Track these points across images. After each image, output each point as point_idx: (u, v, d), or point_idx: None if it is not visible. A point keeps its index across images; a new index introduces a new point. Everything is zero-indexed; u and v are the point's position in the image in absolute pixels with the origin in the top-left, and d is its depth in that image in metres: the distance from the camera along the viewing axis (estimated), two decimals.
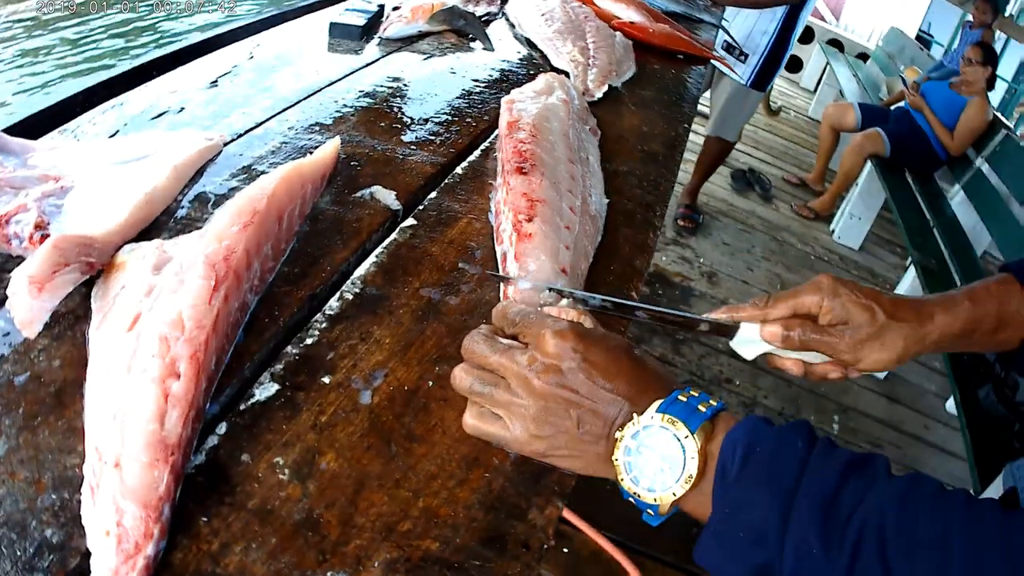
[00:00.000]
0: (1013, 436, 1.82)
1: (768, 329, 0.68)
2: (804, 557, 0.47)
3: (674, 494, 0.51)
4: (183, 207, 0.78)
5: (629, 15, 1.68)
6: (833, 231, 4.25)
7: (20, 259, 0.64)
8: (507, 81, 1.29)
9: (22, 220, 0.67)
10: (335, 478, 0.53)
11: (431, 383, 0.63)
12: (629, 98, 1.38)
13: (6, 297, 0.59)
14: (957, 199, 3.75)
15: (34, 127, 0.90)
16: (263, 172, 0.85)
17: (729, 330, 0.71)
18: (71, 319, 0.62)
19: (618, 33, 1.56)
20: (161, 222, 0.75)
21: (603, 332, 0.59)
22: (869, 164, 3.90)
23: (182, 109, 0.98)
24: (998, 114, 3.91)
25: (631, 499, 0.53)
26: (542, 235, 0.77)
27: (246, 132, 0.95)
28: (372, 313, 0.69)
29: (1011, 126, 3.85)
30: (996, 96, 4.36)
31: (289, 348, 0.63)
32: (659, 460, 0.51)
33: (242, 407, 0.57)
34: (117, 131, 0.91)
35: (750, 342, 0.70)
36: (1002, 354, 0.75)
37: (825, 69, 6.20)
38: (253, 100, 1.03)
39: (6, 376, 0.56)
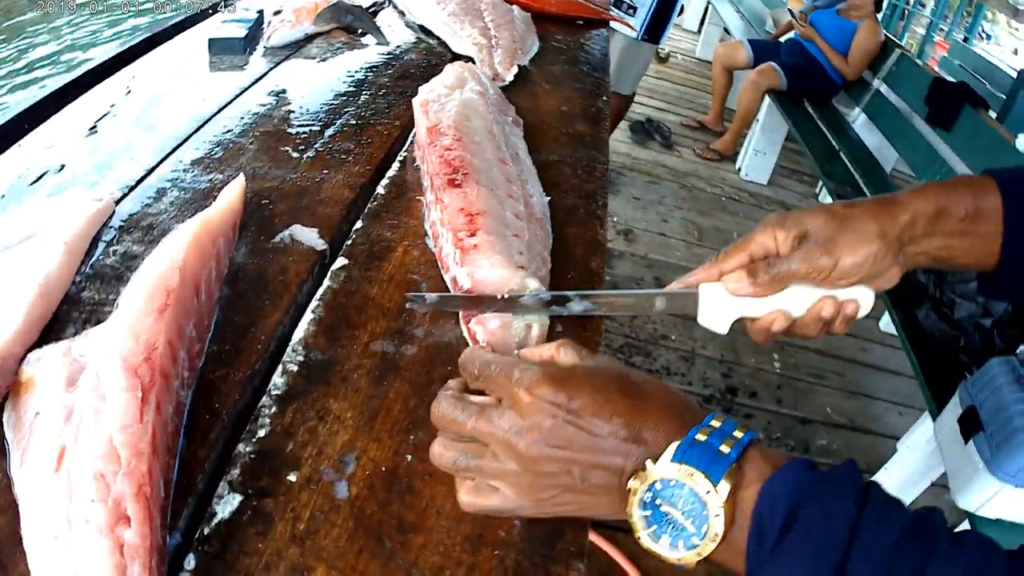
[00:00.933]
0: (959, 351, 1.88)
1: (730, 280, 0.61)
2: None
3: (699, 554, 0.46)
4: (84, 289, 0.68)
5: None
6: (739, 169, 4.33)
7: None
8: (410, 76, 1.21)
9: None
10: None
11: (409, 457, 0.56)
12: (540, 76, 1.31)
13: None
14: (859, 122, 3.87)
15: None
16: (165, 230, 0.75)
17: (692, 306, 0.63)
18: None
19: (515, 7, 1.48)
20: (63, 312, 0.65)
21: (587, 365, 0.52)
22: (767, 99, 3.97)
23: (62, 167, 0.86)
24: (889, 34, 4.03)
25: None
26: (488, 243, 0.71)
27: (137, 184, 0.84)
28: (324, 383, 0.61)
29: (901, 44, 3.98)
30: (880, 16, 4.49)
31: (241, 447, 0.55)
32: (680, 516, 0.46)
33: (206, 530, 0.49)
34: None
35: (718, 308, 0.63)
36: (939, 273, 0.72)
37: (707, 8, 6.26)
38: (138, 143, 0.92)
39: None
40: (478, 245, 0.71)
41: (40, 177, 0.85)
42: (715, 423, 0.48)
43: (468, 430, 0.49)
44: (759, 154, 4.21)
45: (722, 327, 0.64)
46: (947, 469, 1.66)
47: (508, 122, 1.03)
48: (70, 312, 0.66)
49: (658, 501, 0.46)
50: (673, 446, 0.46)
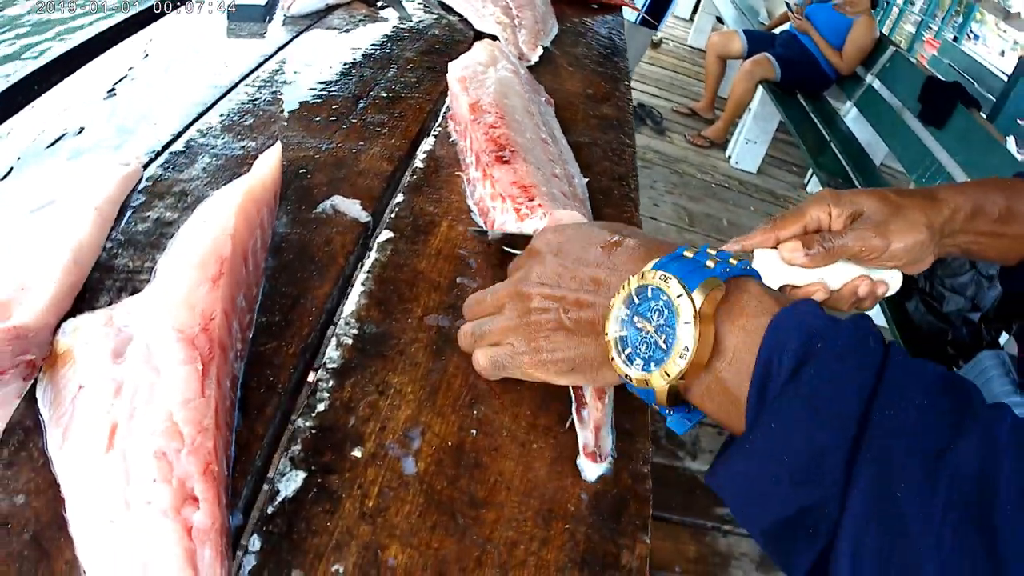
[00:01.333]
0: (947, 344, 1.90)
1: (787, 247, 0.60)
2: (878, 505, 0.33)
3: (666, 373, 0.41)
4: (117, 256, 0.65)
5: None
6: (730, 157, 4.34)
7: None
8: (435, 52, 1.18)
9: None
10: (409, 574, 0.45)
11: (474, 432, 0.54)
12: (562, 59, 1.29)
13: None
14: (851, 116, 3.88)
15: None
16: (200, 197, 0.72)
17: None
18: (19, 434, 0.48)
19: None
20: (95, 280, 0.62)
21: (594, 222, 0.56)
22: (760, 89, 3.97)
23: (82, 129, 0.83)
24: (882, 32, 4.05)
25: (629, 387, 0.45)
26: (552, 207, 0.70)
27: (164, 148, 0.81)
28: (380, 357, 0.59)
29: (897, 42, 3.99)
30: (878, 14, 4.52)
31: (300, 422, 0.53)
32: (653, 331, 0.42)
33: (270, 510, 0.47)
34: (10, 169, 0.75)
35: (769, 272, 0.62)
36: (929, 267, 0.73)
37: None
38: (160, 108, 0.88)
39: None
40: (542, 204, 0.71)
41: (58, 140, 0.81)
42: (710, 251, 0.45)
43: (489, 302, 0.55)
44: (750, 143, 4.22)
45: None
46: None
47: (542, 102, 1.01)
48: (103, 280, 0.63)
49: (635, 318, 0.43)
50: (653, 261, 0.44)
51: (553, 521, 0.50)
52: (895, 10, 6.55)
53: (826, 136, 3.49)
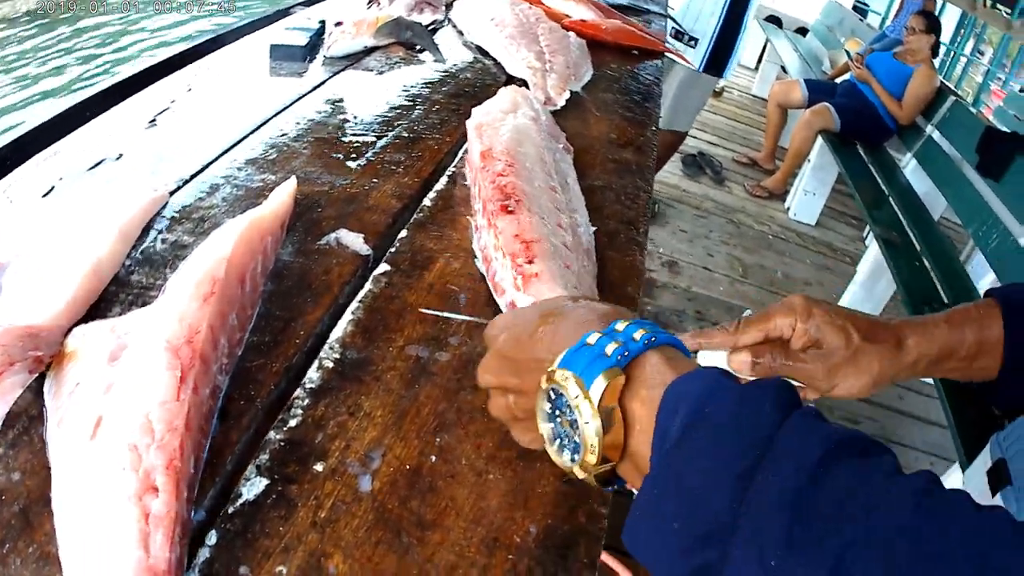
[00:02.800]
0: (992, 402, 1.83)
1: (737, 358, 0.62)
2: (759, 566, 0.32)
3: (583, 468, 0.42)
4: (133, 272, 0.71)
5: (580, 12, 1.63)
6: (788, 208, 4.29)
7: None
8: (463, 95, 1.24)
9: None
10: None
11: (434, 458, 0.57)
12: (591, 103, 1.33)
13: None
14: (910, 168, 3.81)
15: None
16: (216, 223, 0.78)
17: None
18: (24, 421, 0.54)
19: (571, 33, 1.51)
20: (111, 293, 0.68)
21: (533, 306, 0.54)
22: (820, 139, 3.94)
23: (120, 156, 0.90)
24: (944, 81, 3.98)
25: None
26: (549, 273, 0.72)
27: (192, 177, 0.88)
28: (357, 381, 0.63)
29: (957, 91, 3.92)
30: (938, 60, 4.45)
31: (272, 433, 0.57)
32: (568, 427, 0.43)
33: (231, 509, 0.51)
34: (52, 187, 0.82)
35: (715, 361, 0.64)
36: None
37: (765, 46, 6.25)
38: (196, 139, 0.96)
39: None
40: (539, 274, 0.72)
41: (99, 163, 0.89)
42: (619, 327, 0.44)
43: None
44: (809, 194, 4.16)
45: None
46: None
47: (559, 149, 1.04)
48: (118, 293, 0.68)
49: (556, 413, 0.44)
50: (563, 353, 0.44)
51: (497, 550, 0.52)
52: (963, 59, 6.42)
53: (884, 189, 3.42)
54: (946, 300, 2.42)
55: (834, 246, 4.11)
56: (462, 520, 0.53)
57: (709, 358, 0.64)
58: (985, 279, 2.92)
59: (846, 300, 3.16)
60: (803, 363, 0.61)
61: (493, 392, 0.51)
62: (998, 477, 1.49)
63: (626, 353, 0.42)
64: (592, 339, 0.43)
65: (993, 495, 1.48)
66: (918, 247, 2.80)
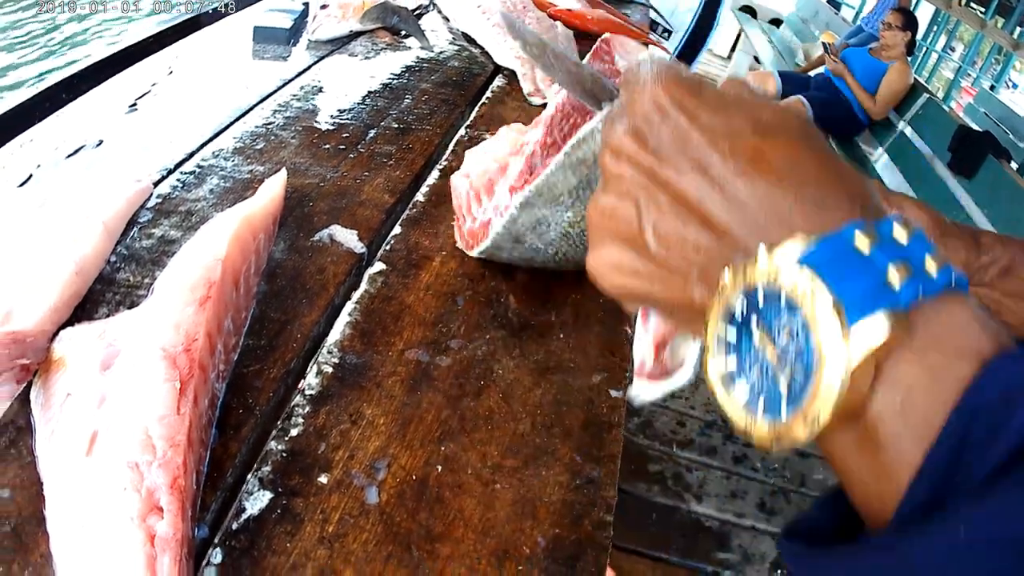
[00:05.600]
0: None
1: None
2: None
3: (777, 435, 0.27)
4: (119, 270, 0.68)
5: (566, 2, 1.61)
6: None
7: None
8: (452, 84, 1.21)
9: None
10: None
11: (439, 468, 0.56)
12: None
13: None
14: (881, 162, 3.86)
15: None
16: (204, 217, 0.75)
17: None
18: (11, 432, 0.52)
19: (558, 23, 1.49)
20: (96, 292, 0.65)
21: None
22: None
23: (101, 142, 0.87)
24: (918, 78, 4.03)
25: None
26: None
27: (176, 167, 0.84)
28: (358, 387, 0.61)
29: (928, 87, 3.97)
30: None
31: (273, 444, 0.55)
32: (775, 359, 0.27)
33: (234, 525, 0.49)
34: (30, 176, 0.79)
35: None
36: None
37: (738, 36, 6.27)
38: (179, 125, 0.92)
39: None
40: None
41: (77, 150, 0.85)
42: (899, 235, 0.26)
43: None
44: None
45: None
46: None
47: None
48: (103, 292, 0.66)
49: (753, 320, 0.28)
50: (812, 238, 0.26)
51: (507, 562, 0.51)
52: (934, 56, 6.52)
53: None
54: None
55: None
56: (471, 532, 0.52)
57: None
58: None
59: None
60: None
61: (613, 181, 0.32)
62: None
63: (920, 295, 0.25)
64: (863, 241, 0.26)
65: None
66: None
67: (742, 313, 0.28)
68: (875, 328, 0.25)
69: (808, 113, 3.93)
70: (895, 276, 0.25)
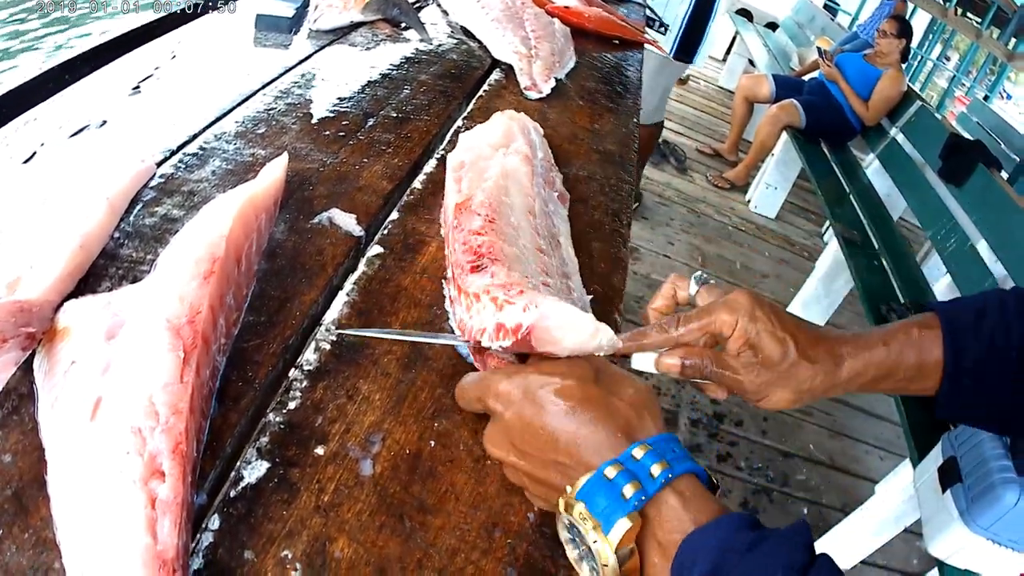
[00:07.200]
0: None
1: (666, 361, 0.60)
2: None
3: None
4: (123, 245, 0.70)
5: None
6: (749, 201, 4.37)
7: None
8: (450, 76, 1.23)
9: None
10: (353, 567, 0.48)
11: (432, 443, 0.58)
12: (575, 91, 1.33)
13: None
14: (872, 168, 3.90)
15: None
16: (206, 197, 0.77)
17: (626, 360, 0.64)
18: (13, 399, 0.53)
19: (555, 20, 1.50)
20: (100, 266, 0.67)
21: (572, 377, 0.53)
22: (785, 135, 4.01)
23: (104, 123, 0.88)
24: (911, 85, 4.07)
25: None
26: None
27: (179, 149, 0.86)
28: (354, 364, 0.63)
29: (922, 95, 4.01)
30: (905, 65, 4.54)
31: (271, 416, 0.57)
32: (587, 550, 0.46)
33: (232, 493, 0.51)
34: (33, 153, 0.80)
35: (645, 364, 0.63)
36: None
37: (734, 39, 6.32)
38: (182, 108, 0.94)
39: None
40: (524, 291, 0.61)
41: (81, 130, 0.86)
42: (637, 453, 0.47)
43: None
44: (770, 188, 4.25)
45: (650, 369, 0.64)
46: (923, 516, 1.68)
47: (553, 197, 0.92)
48: (107, 267, 0.67)
49: (577, 539, 0.48)
50: (582, 480, 0.47)
51: (496, 534, 0.53)
52: (929, 64, 6.57)
53: (846, 187, 3.51)
54: (902, 299, 2.50)
55: (792, 240, 4.21)
56: (462, 505, 0.54)
57: (641, 360, 0.62)
58: (941, 281, 3.02)
59: (804, 296, 3.24)
60: (735, 374, 0.60)
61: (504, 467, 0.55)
62: (948, 474, 1.56)
63: (643, 497, 0.45)
64: (611, 472, 0.46)
65: (943, 491, 1.55)
66: (877, 246, 2.88)
67: (567, 524, 0.48)
68: (620, 528, 0.44)
69: (801, 117, 3.97)
70: (628, 490, 0.44)
